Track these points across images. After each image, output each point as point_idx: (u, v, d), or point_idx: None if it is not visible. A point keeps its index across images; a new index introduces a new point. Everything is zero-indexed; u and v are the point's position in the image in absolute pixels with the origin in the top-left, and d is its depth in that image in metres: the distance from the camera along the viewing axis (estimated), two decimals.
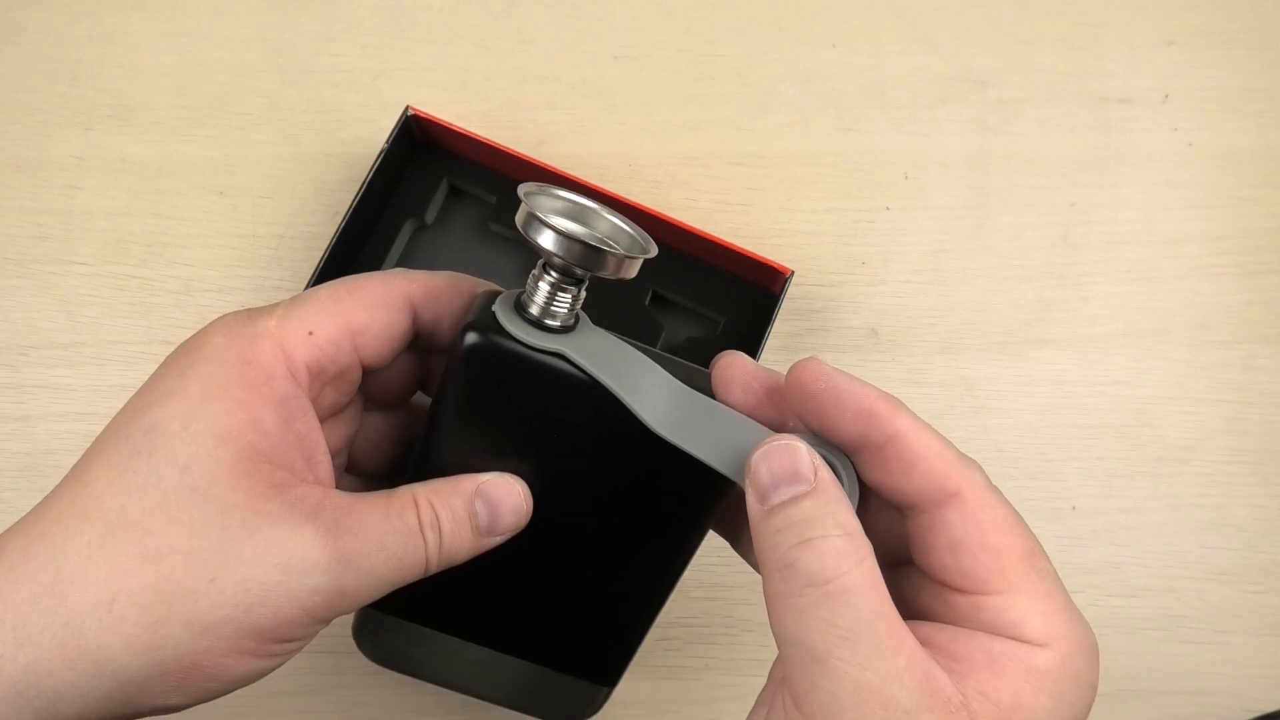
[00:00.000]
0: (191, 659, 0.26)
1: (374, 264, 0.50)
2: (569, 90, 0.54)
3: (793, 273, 0.47)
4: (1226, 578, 0.49)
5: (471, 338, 0.29)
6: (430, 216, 0.51)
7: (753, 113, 0.54)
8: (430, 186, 0.51)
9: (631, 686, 0.46)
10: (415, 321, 0.31)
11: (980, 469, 0.27)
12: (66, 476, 0.29)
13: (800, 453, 0.26)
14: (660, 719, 0.47)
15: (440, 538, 0.29)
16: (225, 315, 0.31)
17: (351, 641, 0.48)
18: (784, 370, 0.29)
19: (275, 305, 0.30)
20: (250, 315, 0.30)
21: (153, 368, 0.31)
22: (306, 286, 0.46)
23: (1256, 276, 0.52)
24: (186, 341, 0.30)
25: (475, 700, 0.38)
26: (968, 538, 0.26)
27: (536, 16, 0.55)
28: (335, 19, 0.55)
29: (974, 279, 0.52)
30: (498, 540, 0.31)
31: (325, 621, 0.28)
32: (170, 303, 0.51)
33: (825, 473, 0.26)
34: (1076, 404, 0.51)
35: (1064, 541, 0.49)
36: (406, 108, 0.49)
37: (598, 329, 0.31)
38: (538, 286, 0.29)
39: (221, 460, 0.27)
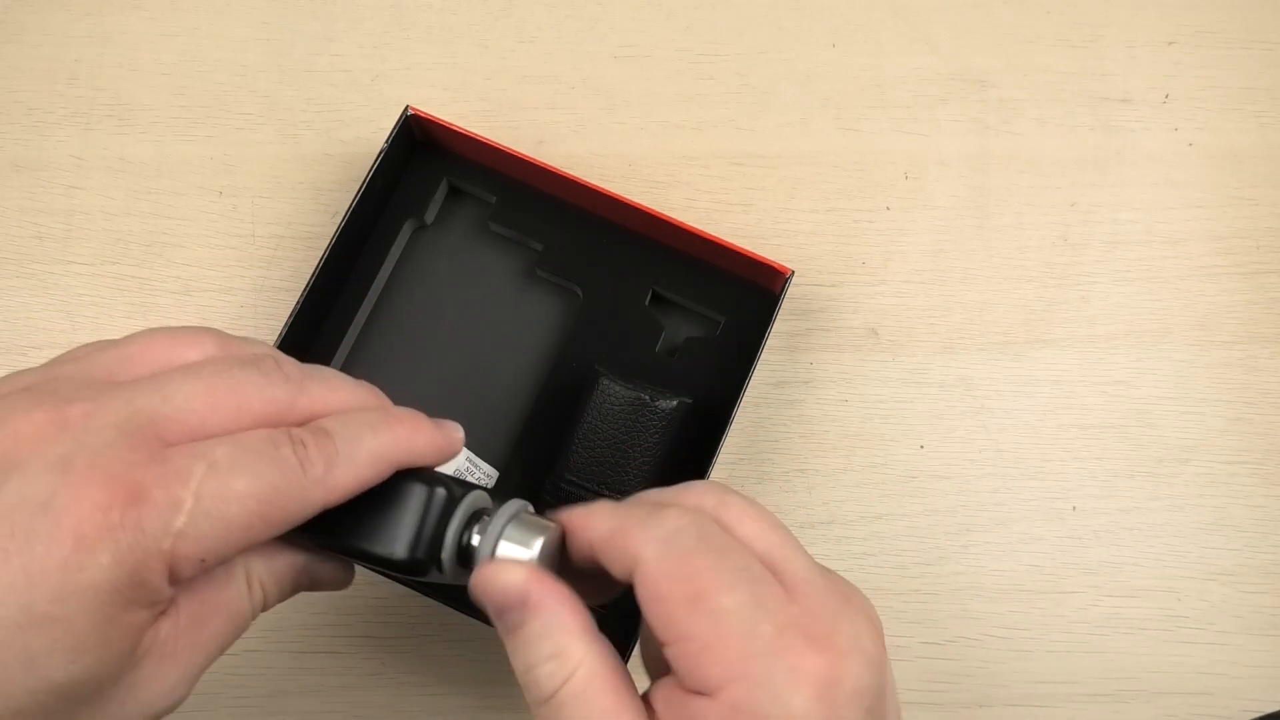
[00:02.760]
0: None
1: (374, 264, 0.50)
2: (569, 90, 0.54)
3: (793, 273, 0.47)
4: (1226, 578, 0.49)
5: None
6: (430, 216, 0.51)
7: (753, 113, 0.54)
8: (430, 186, 0.51)
9: None
10: None
11: (678, 514, 0.29)
12: None
13: (511, 579, 0.28)
14: None
15: (264, 605, 0.31)
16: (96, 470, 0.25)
17: (353, 642, 0.48)
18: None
19: (177, 496, 0.26)
20: (139, 517, 0.26)
21: None
22: (306, 287, 0.46)
23: (1257, 276, 0.52)
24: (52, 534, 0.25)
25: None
26: (646, 594, 0.28)
27: (536, 16, 0.55)
28: (335, 19, 0.55)
29: (974, 279, 0.52)
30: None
31: None
32: (170, 303, 0.51)
33: (537, 592, 0.28)
34: (1077, 404, 0.51)
35: (1064, 542, 0.49)
36: (406, 107, 0.48)
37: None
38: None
39: (104, 684, 0.27)
